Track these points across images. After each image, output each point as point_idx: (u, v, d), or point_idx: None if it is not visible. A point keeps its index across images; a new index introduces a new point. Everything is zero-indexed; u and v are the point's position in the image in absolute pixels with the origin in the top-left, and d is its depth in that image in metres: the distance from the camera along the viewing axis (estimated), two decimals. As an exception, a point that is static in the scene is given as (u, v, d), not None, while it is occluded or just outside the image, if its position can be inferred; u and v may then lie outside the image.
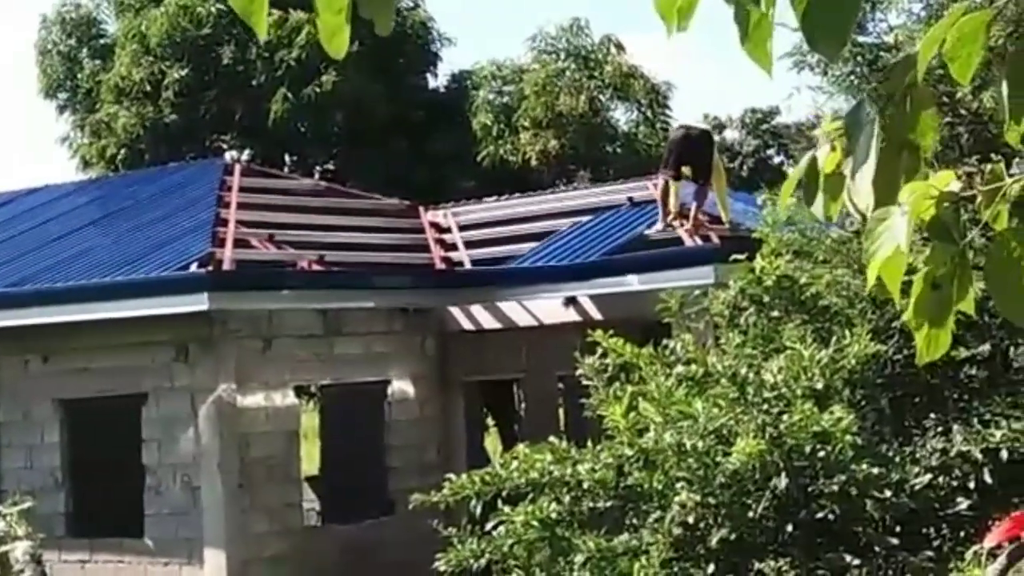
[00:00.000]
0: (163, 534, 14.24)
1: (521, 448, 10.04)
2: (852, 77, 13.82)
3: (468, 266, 16.12)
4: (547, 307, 14.98)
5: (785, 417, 9.39)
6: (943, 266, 2.66)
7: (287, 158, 26.12)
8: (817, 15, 2.57)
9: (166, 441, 14.26)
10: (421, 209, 17.92)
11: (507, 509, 9.66)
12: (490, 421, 20.01)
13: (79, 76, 27.25)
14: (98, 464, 14.81)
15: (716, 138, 38.31)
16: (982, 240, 3.00)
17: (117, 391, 14.55)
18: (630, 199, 16.37)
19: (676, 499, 9.32)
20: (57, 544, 14.18)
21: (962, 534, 9.58)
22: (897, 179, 2.72)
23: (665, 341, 11.02)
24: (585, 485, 9.59)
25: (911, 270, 2.77)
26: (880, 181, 2.72)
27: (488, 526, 9.80)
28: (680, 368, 10.30)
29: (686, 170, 14.58)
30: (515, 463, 9.81)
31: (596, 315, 14.30)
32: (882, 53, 13.63)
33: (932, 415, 10.10)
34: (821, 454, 9.31)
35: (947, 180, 2.65)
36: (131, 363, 14.47)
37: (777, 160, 44.02)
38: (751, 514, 9.33)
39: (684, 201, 14.98)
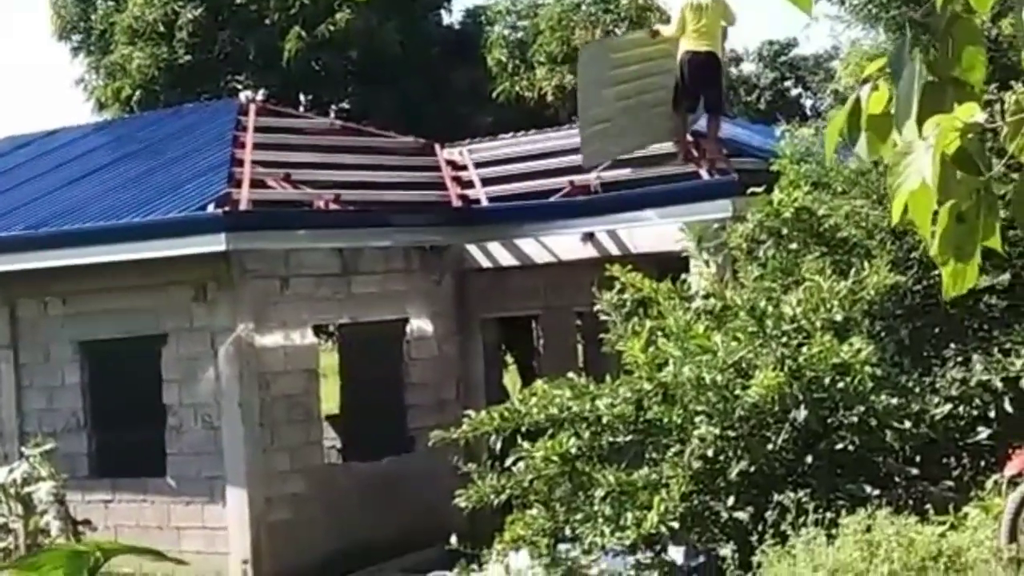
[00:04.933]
0: (185, 473, 14.34)
1: (540, 384, 10.06)
2: (870, 6, 13.68)
3: (485, 203, 16.08)
4: (565, 243, 14.95)
5: (804, 349, 9.39)
6: (968, 199, 2.62)
7: (302, 97, 25.97)
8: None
9: (186, 381, 14.32)
10: (437, 147, 17.85)
11: (527, 445, 9.70)
12: (508, 358, 20.05)
13: (93, 18, 27.08)
14: (119, 405, 14.89)
15: (733, 71, 38.05)
16: (1004, 170, 2.96)
17: (137, 332, 14.60)
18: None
19: (695, 433, 9.34)
20: (80, 484, 14.29)
21: (982, 463, 9.59)
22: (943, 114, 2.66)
23: (683, 275, 11.01)
24: (604, 420, 9.62)
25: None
26: (925, 118, 2.67)
27: (508, 462, 9.84)
28: (698, 302, 10.30)
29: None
30: (534, 399, 9.84)
31: (614, 250, 14.27)
32: (900, -19, 13.47)
33: (952, 345, 10.09)
34: (840, 386, 9.32)
35: (971, 111, 2.60)
36: (150, 304, 14.50)
37: (795, 92, 43.70)
38: (770, 447, 9.35)
39: (699, 132, 14.90)
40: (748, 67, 43.44)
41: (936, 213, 2.69)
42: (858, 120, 2.94)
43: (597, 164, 15.04)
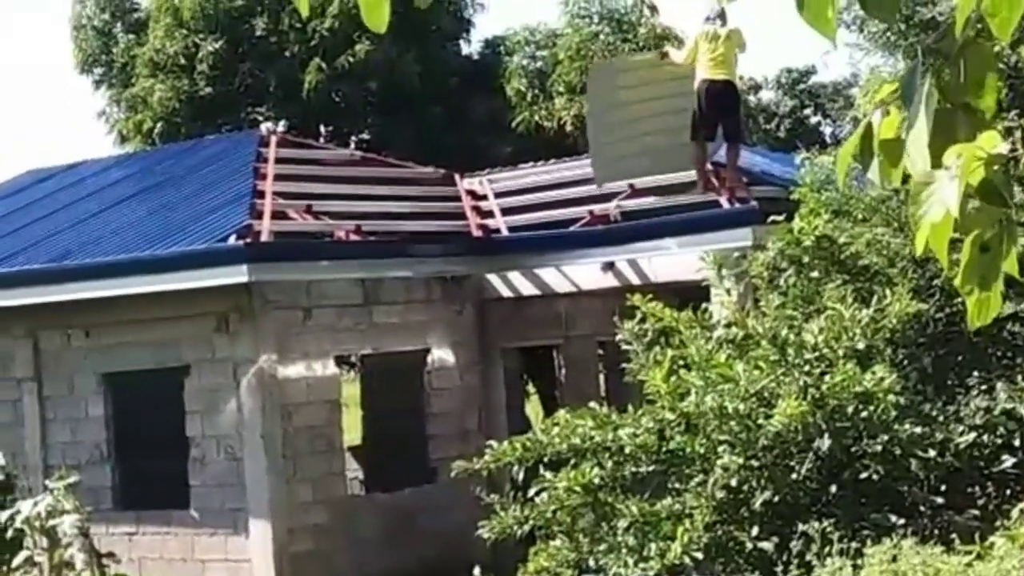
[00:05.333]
0: (208, 505, 14.34)
1: (562, 414, 10.05)
2: (888, 33, 13.69)
3: (505, 233, 16.10)
4: (585, 272, 14.96)
5: (827, 378, 9.36)
6: (992, 229, 2.62)
7: (322, 128, 26.08)
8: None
9: (209, 412, 14.34)
10: (457, 177, 17.90)
11: (549, 475, 9.67)
12: (530, 387, 20.03)
13: (114, 51, 27.29)
14: (142, 436, 14.92)
15: (752, 99, 38.08)
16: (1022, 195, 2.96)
17: (159, 364, 14.64)
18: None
19: (719, 462, 9.31)
20: (104, 517, 14.29)
21: (1007, 492, 9.54)
22: (954, 141, 2.67)
23: (704, 304, 10.99)
24: (627, 450, 9.59)
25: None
26: (936, 143, 2.67)
27: (530, 492, 9.82)
28: (720, 331, 10.28)
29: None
30: (556, 429, 9.82)
31: (634, 280, 14.27)
32: (919, 8, 13.49)
33: (975, 373, 10.04)
34: (864, 414, 9.28)
35: (993, 141, 2.60)
36: (172, 335, 14.55)
37: (814, 120, 43.68)
38: (794, 476, 9.32)
39: (718, 161, 14.90)
40: (767, 95, 43.47)
41: (954, 241, 2.69)
42: (870, 145, 2.94)
43: (610, 183, 15.07)
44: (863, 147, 2.96)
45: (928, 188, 2.63)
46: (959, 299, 8.86)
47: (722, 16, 14.24)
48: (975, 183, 2.57)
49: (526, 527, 9.80)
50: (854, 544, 8.53)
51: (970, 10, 2.65)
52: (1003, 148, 2.58)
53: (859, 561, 8.30)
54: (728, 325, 10.28)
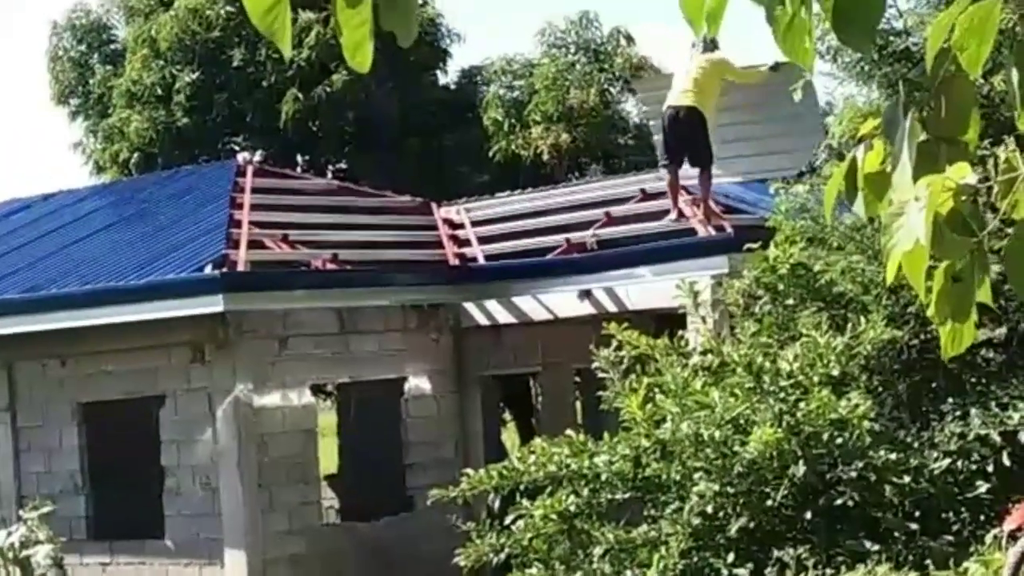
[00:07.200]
0: (183, 535, 14.29)
1: (538, 442, 10.06)
2: (862, 63, 13.78)
3: (482, 262, 16.13)
4: (562, 300, 14.99)
5: (802, 405, 9.39)
6: (963, 258, 2.64)
7: (299, 158, 26.10)
8: (847, 9, 2.58)
9: (185, 442, 14.30)
10: (434, 206, 17.93)
11: (526, 503, 9.68)
12: (507, 416, 20.05)
13: (90, 82, 27.27)
14: (117, 467, 14.86)
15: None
16: (999, 224, 2.99)
17: (135, 393, 14.60)
18: (642, 191, 16.36)
19: (694, 489, 9.33)
20: (78, 547, 14.24)
21: (982, 518, 9.57)
22: (937, 173, 2.70)
23: (680, 332, 11.03)
24: (603, 477, 9.60)
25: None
26: (919, 175, 2.70)
27: (507, 520, 9.82)
28: (696, 358, 10.31)
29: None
30: (533, 457, 9.83)
31: (611, 307, 14.30)
32: (892, 38, 13.59)
33: (950, 399, 10.09)
34: (839, 441, 9.31)
35: (963, 172, 2.63)
36: (148, 365, 14.51)
37: (789, 148, 43.83)
38: (770, 503, 9.34)
39: (692, 190, 14.96)
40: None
41: (931, 270, 2.72)
42: (855, 179, 2.97)
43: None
44: (848, 181, 2.99)
45: (899, 219, 2.66)
46: (933, 326, 8.92)
47: (709, 44, 14.11)
48: (944, 213, 2.60)
49: (502, 555, 9.80)
50: (829, 570, 8.55)
51: (940, 45, 2.69)
52: (972, 179, 2.62)
53: (835, 587, 8.32)
54: (704, 352, 10.31)
